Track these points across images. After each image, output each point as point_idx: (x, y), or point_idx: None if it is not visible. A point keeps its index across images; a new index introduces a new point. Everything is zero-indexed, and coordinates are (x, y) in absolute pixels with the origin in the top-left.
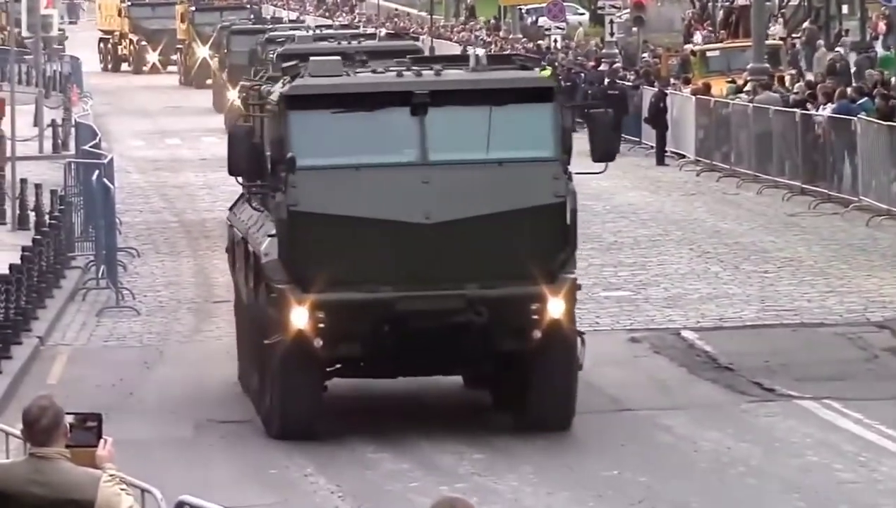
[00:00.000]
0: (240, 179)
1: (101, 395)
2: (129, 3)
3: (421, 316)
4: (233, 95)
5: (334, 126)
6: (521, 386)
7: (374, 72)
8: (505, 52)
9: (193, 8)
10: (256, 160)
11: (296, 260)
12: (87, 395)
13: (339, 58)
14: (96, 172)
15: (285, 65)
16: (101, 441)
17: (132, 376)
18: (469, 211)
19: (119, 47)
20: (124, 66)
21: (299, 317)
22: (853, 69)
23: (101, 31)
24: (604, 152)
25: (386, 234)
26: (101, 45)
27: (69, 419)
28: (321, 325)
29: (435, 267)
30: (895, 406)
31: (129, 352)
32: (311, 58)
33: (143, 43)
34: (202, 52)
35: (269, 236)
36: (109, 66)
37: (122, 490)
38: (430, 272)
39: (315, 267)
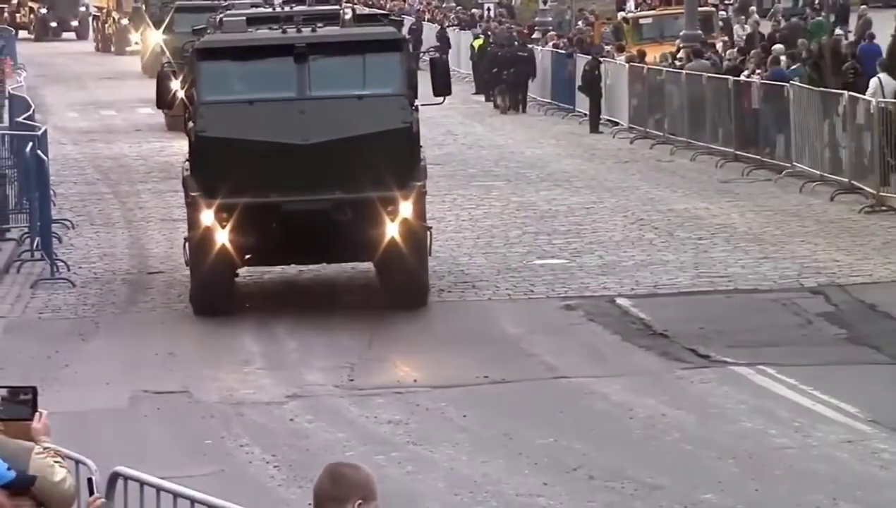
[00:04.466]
0: None
1: (37, 367)
2: None
3: None
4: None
5: None
6: None
7: None
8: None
9: None
10: None
11: None
12: (22, 367)
13: None
14: (30, 144)
15: None
16: (37, 414)
17: (67, 348)
18: None
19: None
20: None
21: None
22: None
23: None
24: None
25: None
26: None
27: (2, 392)
28: None
29: None
30: (829, 371)
31: (63, 324)
32: None
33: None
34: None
35: None
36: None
37: (55, 462)
38: None
39: None
